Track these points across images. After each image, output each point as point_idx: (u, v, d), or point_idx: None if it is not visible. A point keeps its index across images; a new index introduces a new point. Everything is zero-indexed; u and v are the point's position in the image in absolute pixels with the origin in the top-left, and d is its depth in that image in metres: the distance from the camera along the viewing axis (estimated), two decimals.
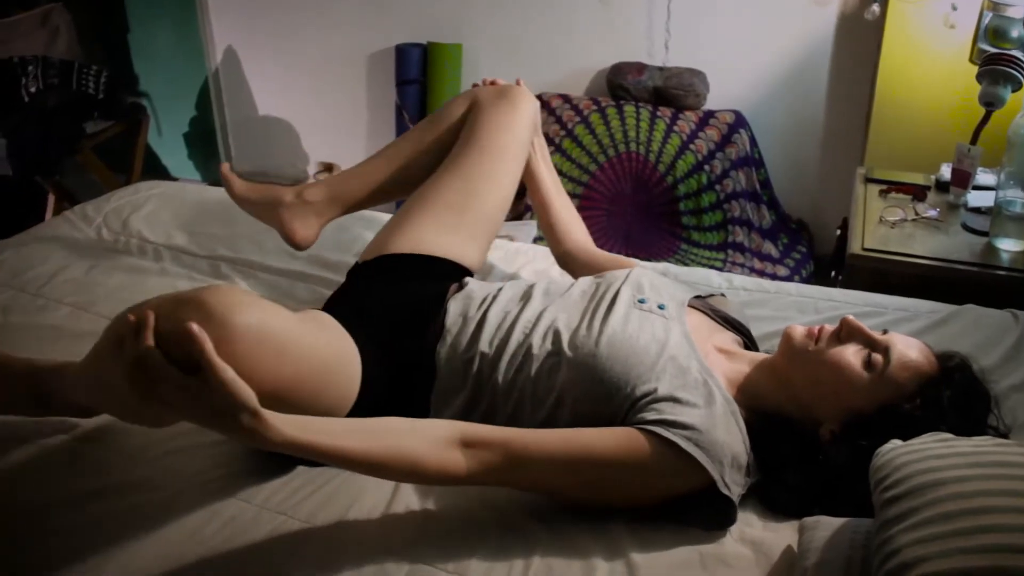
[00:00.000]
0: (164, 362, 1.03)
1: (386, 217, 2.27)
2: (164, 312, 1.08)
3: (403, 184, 1.79)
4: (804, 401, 1.33)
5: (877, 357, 1.29)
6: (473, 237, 1.68)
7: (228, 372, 1.02)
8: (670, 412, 1.23)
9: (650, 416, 1.23)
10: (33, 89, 3.44)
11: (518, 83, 1.82)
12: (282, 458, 1.35)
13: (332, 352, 1.30)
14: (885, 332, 1.34)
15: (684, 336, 1.37)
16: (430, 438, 1.17)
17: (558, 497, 1.27)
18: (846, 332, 1.34)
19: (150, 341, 1.05)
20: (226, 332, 1.09)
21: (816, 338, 1.34)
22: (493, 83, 1.84)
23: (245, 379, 1.04)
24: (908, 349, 1.30)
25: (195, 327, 1.03)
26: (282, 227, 1.78)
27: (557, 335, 1.35)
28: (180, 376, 1.03)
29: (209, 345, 1.03)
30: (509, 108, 1.74)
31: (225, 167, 1.83)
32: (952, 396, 1.27)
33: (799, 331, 1.36)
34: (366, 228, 2.16)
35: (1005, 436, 1.29)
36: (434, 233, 1.64)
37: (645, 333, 1.34)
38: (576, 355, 1.31)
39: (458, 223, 1.66)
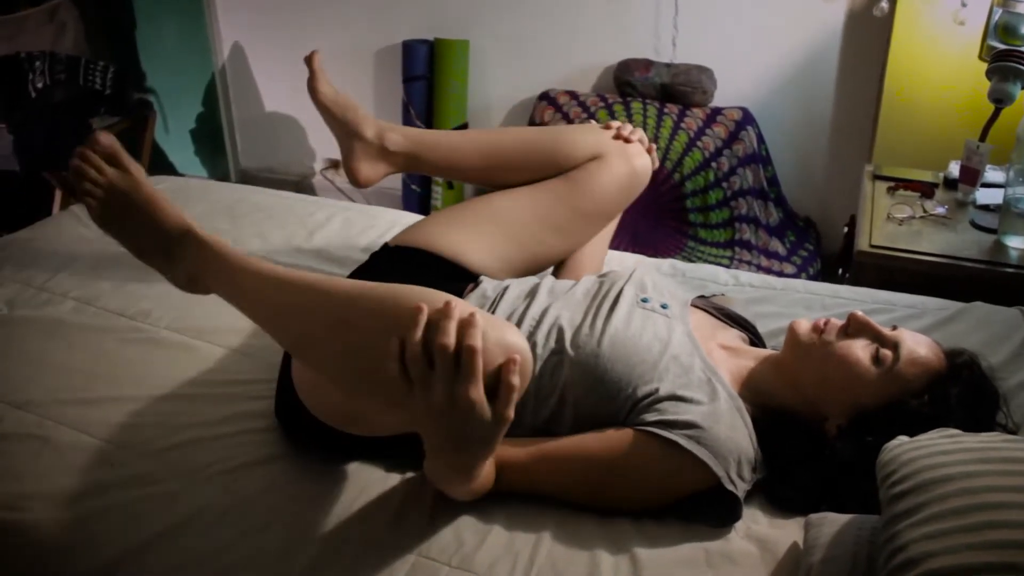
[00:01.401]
0: (480, 373, 0.96)
1: (396, 214, 2.27)
2: (487, 329, 0.99)
3: (482, 179, 1.73)
4: (811, 396, 1.32)
5: (886, 352, 1.28)
6: (513, 272, 1.64)
7: (511, 413, 0.98)
8: (672, 411, 1.23)
9: (651, 417, 1.23)
10: (40, 85, 3.44)
11: (650, 151, 1.70)
12: (290, 451, 1.35)
13: None
14: (895, 328, 1.34)
15: (687, 335, 1.37)
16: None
17: (570, 501, 1.27)
18: (854, 327, 1.33)
19: (478, 342, 0.95)
20: (524, 387, 1.02)
21: (822, 330, 1.34)
22: (627, 140, 1.67)
23: None
24: (917, 345, 1.30)
25: (519, 366, 0.97)
26: (349, 159, 1.72)
27: (560, 333, 1.34)
28: (482, 395, 0.96)
29: (519, 385, 0.98)
30: (627, 181, 1.65)
31: (317, 59, 1.75)
32: (960, 393, 1.26)
33: (804, 325, 1.36)
34: (373, 224, 2.16)
35: (1013, 433, 1.29)
36: (481, 253, 1.60)
37: (648, 332, 1.34)
38: (578, 354, 1.30)
39: (508, 257, 1.62)
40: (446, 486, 1.17)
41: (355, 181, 1.73)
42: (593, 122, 1.69)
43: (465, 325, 0.96)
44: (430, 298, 1.02)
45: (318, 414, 1.30)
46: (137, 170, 1.39)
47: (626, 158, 1.65)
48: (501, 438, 1.01)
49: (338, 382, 1.17)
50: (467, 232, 1.60)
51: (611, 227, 1.80)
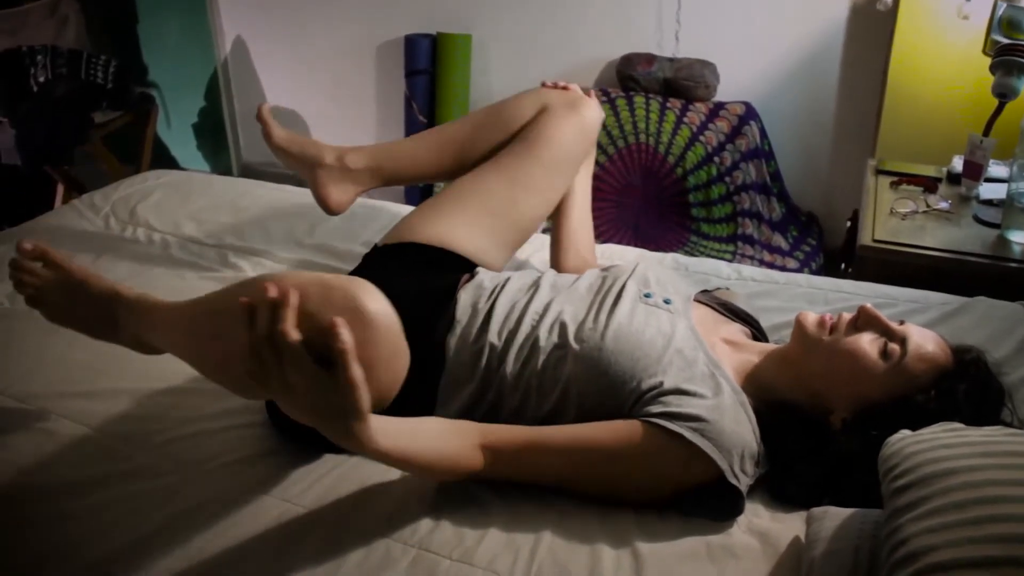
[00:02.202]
0: (301, 349, 0.98)
1: (397, 207, 2.27)
2: (309, 294, 1.04)
3: (448, 171, 1.75)
4: (816, 389, 1.32)
5: (894, 347, 1.28)
6: (502, 244, 1.66)
7: (360, 376, 0.98)
8: (676, 404, 1.22)
9: (656, 409, 1.23)
10: (42, 79, 3.44)
11: (589, 94, 1.75)
12: (289, 445, 1.35)
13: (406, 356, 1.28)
14: (901, 323, 1.33)
15: (690, 329, 1.37)
16: (462, 439, 1.21)
17: (566, 490, 1.26)
18: (863, 320, 1.33)
19: (291, 323, 0.98)
20: (369, 335, 1.07)
21: (832, 327, 1.33)
22: (564, 88, 1.75)
23: (370, 381, 1.01)
24: (925, 341, 1.29)
25: (343, 327, 0.97)
26: (316, 188, 1.74)
27: (563, 328, 1.34)
28: (314, 368, 0.98)
29: (352, 346, 0.97)
30: (576, 124, 1.68)
31: (265, 108, 1.78)
32: (967, 390, 1.26)
33: (811, 317, 1.36)
34: (374, 217, 2.16)
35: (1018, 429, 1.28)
36: (465, 232, 1.61)
37: (651, 327, 1.33)
38: (582, 348, 1.30)
39: (491, 228, 1.63)
40: (355, 450, 1.13)
41: (327, 208, 1.76)
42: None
43: (278, 306, 0.98)
44: (251, 288, 1.08)
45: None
46: (63, 259, 1.44)
47: (569, 103, 1.70)
48: (363, 405, 1.00)
49: (233, 389, 1.25)
50: (447, 217, 1.62)
51: (586, 186, 1.83)
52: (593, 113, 1.72)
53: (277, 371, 0.99)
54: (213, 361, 1.22)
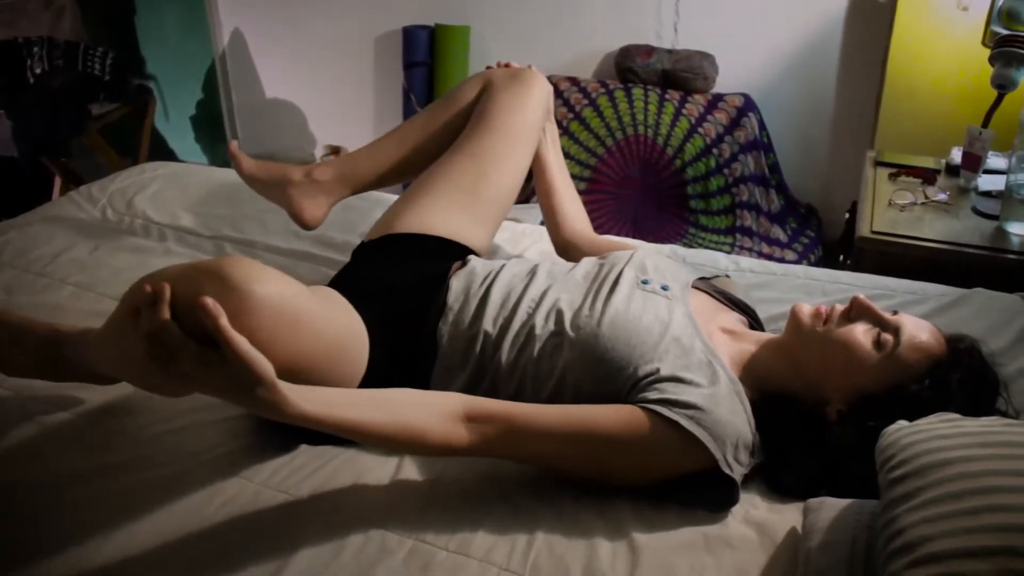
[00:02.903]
0: (181, 335, 1.02)
1: (394, 198, 2.26)
2: (181, 282, 1.07)
3: (413, 165, 1.78)
4: (811, 379, 1.32)
5: (887, 337, 1.28)
6: (481, 219, 1.67)
7: (244, 344, 1.01)
8: (672, 392, 1.22)
9: (652, 395, 1.23)
10: (39, 70, 3.43)
11: (530, 68, 1.80)
12: (286, 436, 1.35)
13: (344, 328, 1.30)
14: (896, 313, 1.33)
15: (687, 317, 1.36)
16: (436, 411, 1.19)
17: (558, 471, 1.26)
18: (856, 311, 1.33)
19: (166, 314, 1.03)
20: (244, 303, 1.08)
21: (826, 318, 1.33)
22: (507, 66, 1.82)
23: (262, 351, 1.03)
24: (918, 330, 1.29)
25: (208, 300, 1.00)
26: (291, 206, 1.77)
27: (560, 315, 1.34)
28: (197, 349, 1.02)
29: (224, 318, 1.01)
30: (522, 91, 1.73)
31: (233, 145, 1.82)
32: (961, 379, 1.26)
33: (807, 309, 1.35)
34: (371, 209, 2.15)
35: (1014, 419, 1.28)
36: (442, 214, 1.63)
37: (648, 314, 1.33)
38: (578, 335, 1.30)
39: (466, 204, 1.65)
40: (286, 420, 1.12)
41: (303, 223, 1.78)
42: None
43: (153, 302, 1.04)
44: (133, 291, 1.13)
45: None
46: (3, 312, 1.46)
47: (510, 75, 1.76)
48: (266, 369, 1.02)
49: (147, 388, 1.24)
50: (421, 204, 1.65)
51: (564, 175, 1.86)
52: (534, 79, 1.76)
53: (172, 365, 1.03)
54: (130, 371, 1.22)
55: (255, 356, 1.02)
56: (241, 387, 1.03)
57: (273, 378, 1.03)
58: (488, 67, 1.84)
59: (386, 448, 1.27)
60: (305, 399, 1.07)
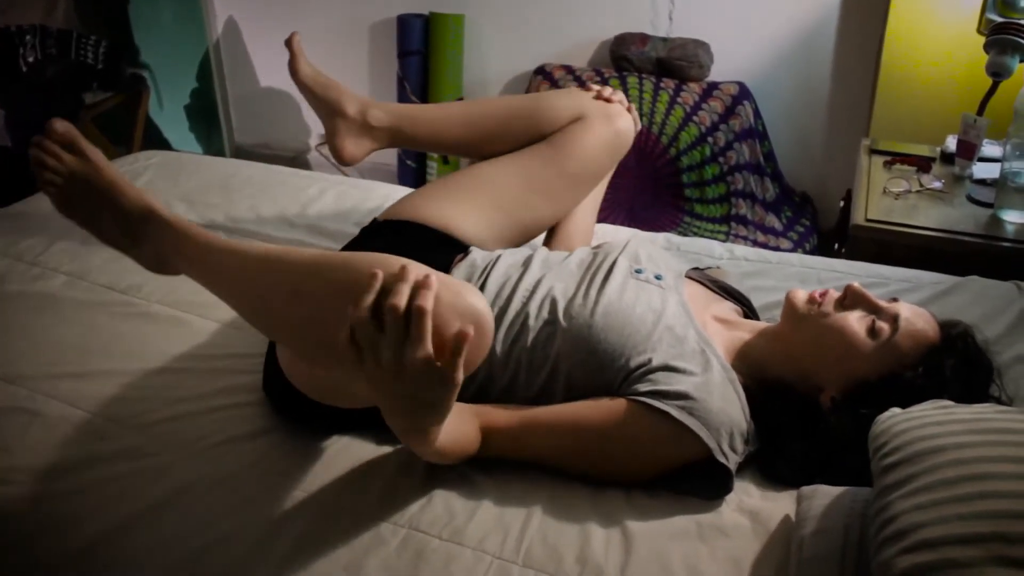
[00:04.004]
0: (424, 337, 0.94)
1: (389, 188, 2.26)
2: (443, 292, 0.99)
3: (467, 150, 1.73)
4: (805, 367, 1.31)
5: (881, 324, 1.28)
6: (502, 241, 1.63)
7: (461, 377, 0.97)
8: (664, 382, 1.22)
9: (644, 387, 1.22)
10: (31, 59, 3.42)
11: (630, 110, 1.70)
12: (279, 425, 1.35)
13: None
14: (892, 300, 1.33)
15: (681, 306, 1.36)
16: (472, 426, 1.22)
17: (561, 469, 1.26)
18: (851, 298, 1.33)
19: (430, 308, 0.94)
20: (481, 351, 1.03)
21: (820, 302, 1.33)
22: (608, 100, 1.67)
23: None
24: (913, 317, 1.29)
25: (469, 336, 0.94)
26: (332, 137, 1.73)
27: (553, 304, 1.34)
28: (431, 356, 0.94)
29: (463, 356, 0.95)
30: (610, 140, 1.64)
31: (296, 38, 1.77)
32: (955, 365, 1.26)
33: (801, 295, 1.35)
34: (367, 198, 2.15)
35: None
36: (469, 220, 1.58)
37: (641, 303, 1.33)
38: (571, 325, 1.30)
39: (498, 223, 1.61)
40: (412, 446, 1.12)
41: (340, 159, 1.73)
42: (573, 86, 1.69)
43: (419, 287, 0.95)
44: (386, 263, 1.02)
45: (300, 387, 1.30)
46: (96, 155, 1.40)
47: (607, 118, 1.65)
48: (452, 404, 1.00)
49: (299, 352, 1.20)
50: (455, 202, 1.59)
51: (599, 193, 1.79)
52: (628, 128, 1.67)
53: (394, 348, 0.95)
54: (286, 320, 1.16)
55: (454, 394, 0.99)
56: (425, 407, 1.00)
57: (440, 421, 1.03)
58: (588, 88, 1.69)
59: (442, 463, 1.22)
60: (435, 436, 1.07)
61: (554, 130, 1.64)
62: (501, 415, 1.25)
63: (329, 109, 1.73)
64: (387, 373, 0.96)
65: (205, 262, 1.30)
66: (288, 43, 1.77)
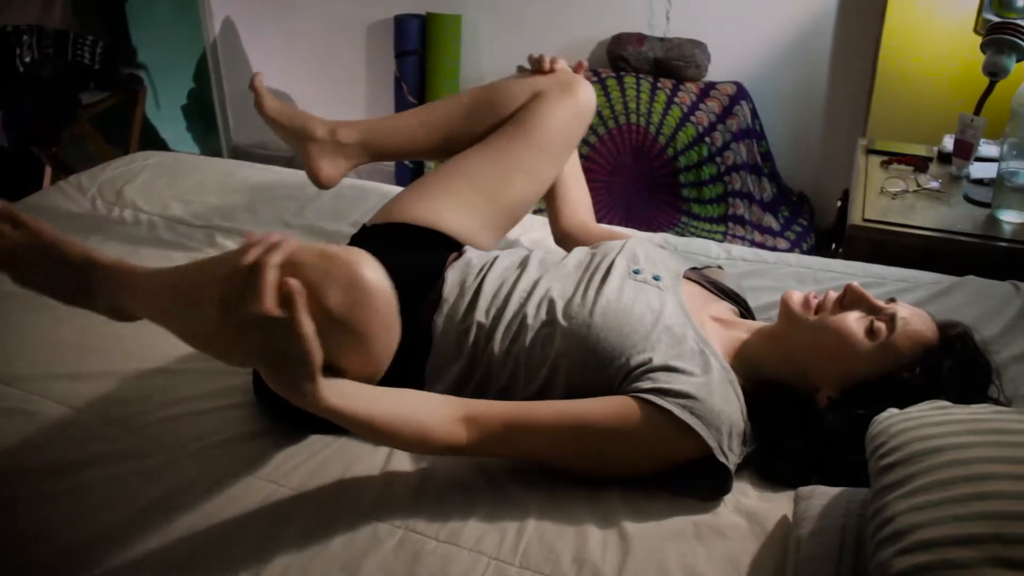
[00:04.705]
0: (274, 286, 1.01)
1: (386, 187, 2.26)
2: (308, 262, 1.10)
3: (439, 150, 1.74)
4: (803, 367, 1.31)
5: (880, 325, 1.28)
6: (491, 226, 1.65)
7: (310, 329, 1.02)
8: (665, 381, 1.22)
9: (645, 385, 1.22)
10: (28, 59, 3.41)
11: (579, 68, 1.72)
12: (274, 426, 1.35)
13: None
14: (891, 301, 1.33)
15: (679, 306, 1.36)
16: (440, 412, 1.20)
17: (555, 468, 1.26)
18: (850, 299, 1.32)
19: (275, 264, 1.02)
20: (367, 301, 1.12)
21: (819, 306, 1.33)
22: (552, 70, 1.70)
23: (367, 347, 1.10)
24: (912, 318, 1.29)
25: (296, 284, 1.01)
26: (308, 161, 1.74)
27: (552, 304, 1.33)
28: (276, 308, 1.01)
29: (302, 293, 1.02)
30: (571, 107, 1.66)
31: (257, 78, 1.79)
32: (952, 366, 1.25)
33: (796, 297, 1.35)
34: (363, 198, 2.15)
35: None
36: (454, 212, 1.60)
37: (640, 303, 1.33)
38: (570, 325, 1.30)
39: (481, 208, 1.62)
40: (311, 409, 1.14)
41: (318, 182, 1.75)
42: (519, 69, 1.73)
43: (270, 248, 1.03)
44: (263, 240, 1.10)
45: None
46: (33, 221, 1.41)
47: (563, 87, 1.67)
48: (314, 360, 1.04)
49: (198, 344, 1.29)
50: (438, 197, 1.61)
51: (576, 162, 1.82)
52: (588, 95, 1.68)
53: (240, 303, 1.02)
54: (196, 328, 1.23)
55: (314, 343, 1.03)
56: (288, 365, 1.04)
57: (318, 368, 1.05)
58: (530, 57, 1.72)
59: (389, 444, 1.27)
60: (334, 393, 1.09)
61: (515, 111, 1.68)
62: (496, 409, 1.23)
63: (299, 136, 1.75)
64: (238, 328, 1.05)
65: (138, 291, 1.34)
66: (251, 85, 1.80)
